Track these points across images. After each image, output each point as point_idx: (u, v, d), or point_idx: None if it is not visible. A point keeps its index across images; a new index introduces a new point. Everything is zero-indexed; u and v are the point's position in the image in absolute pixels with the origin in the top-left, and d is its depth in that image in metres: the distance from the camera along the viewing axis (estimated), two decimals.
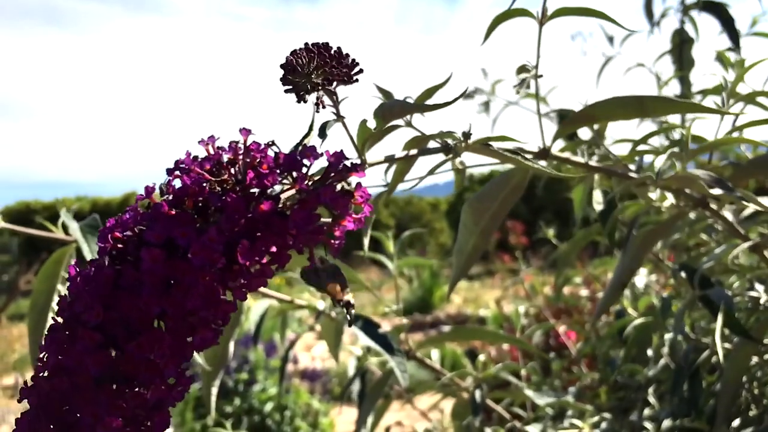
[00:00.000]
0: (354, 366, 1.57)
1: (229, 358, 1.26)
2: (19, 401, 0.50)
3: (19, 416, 0.49)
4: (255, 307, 1.43)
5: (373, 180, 0.92)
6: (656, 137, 1.41)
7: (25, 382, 0.50)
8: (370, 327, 1.30)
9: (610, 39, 2.40)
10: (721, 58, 1.31)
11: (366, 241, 0.95)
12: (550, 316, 3.21)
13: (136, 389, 0.49)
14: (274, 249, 0.51)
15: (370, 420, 1.49)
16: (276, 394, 4.56)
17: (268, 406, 4.53)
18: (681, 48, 2.23)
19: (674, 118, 1.88)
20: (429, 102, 0.77)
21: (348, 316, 0.58)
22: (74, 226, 1.06)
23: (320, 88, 0.62)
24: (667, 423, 1.48)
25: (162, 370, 0.49)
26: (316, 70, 0.60)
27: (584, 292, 3.30)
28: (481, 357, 1.47)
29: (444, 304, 9.81)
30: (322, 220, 0.54)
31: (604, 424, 1.50)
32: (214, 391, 1.30)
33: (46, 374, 0.49)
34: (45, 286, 1.10)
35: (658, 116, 0.92)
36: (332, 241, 0.54)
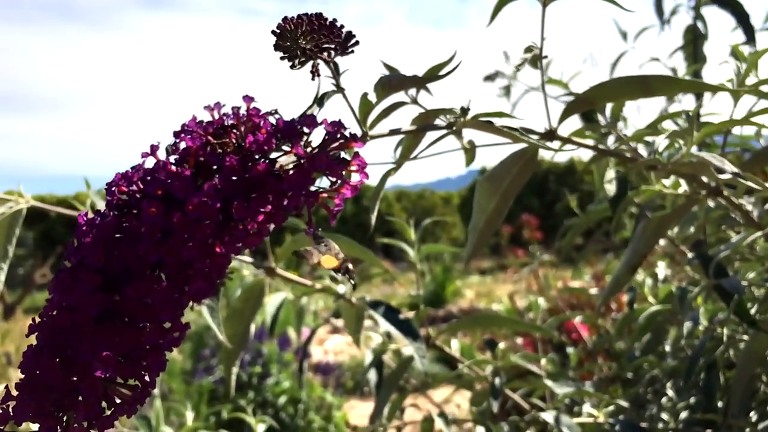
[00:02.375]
0: (371, 357, 1.57)
1: (250, 339, 1.28)
2: (27, 335, 0.53)
3: (24, 353, 0.53)
4: (272, 298, 1.44)
5: (383, 158, 0.93)
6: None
7: (33, 319, 0.54)
8: (391, 313, 1.31)
9: (624, 34, 2.41)
10: (735, 52, 1.31)
11: (373, 218, 0.95)
12: (563, 310, 3.21)
13: (133, 330, 0.52)
14: (269, 209, 0.54)
15: (386, 410, 1.49)
16: (290, 387, 4.58)
17: (282, 400, 4.55)
18: (695, 43, 2.23)
19: (689, 104, 1.88)
20: (426, 77, 0.77)
21: (351, 281, 0.61)
22: (102, 204, 1.08)
23: (312, 55, 0.64)
24: (684, 415, 1.48)
25: (158, 314, 0.52)
26: (303, 35, 0.62)
27: (594, 290, 3.29)
28: (506, 344, 1.47)
29: (456, 299, 9.80)
30: (322, 187, 0.56)
31: (620, 416, 1.50)
32: (234, 371, 1.32)
33: (52, 313, 0.53)
34: None
35: (664, 95, 0.92)
36: (331, 208, 0.57)
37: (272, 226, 0.55)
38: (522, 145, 0.97)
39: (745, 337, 1.36)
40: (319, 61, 0.64)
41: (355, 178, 0.56)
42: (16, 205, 1.03)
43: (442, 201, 21.16)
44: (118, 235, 0.52)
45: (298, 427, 4.41)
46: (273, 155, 0.55)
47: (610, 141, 1.30)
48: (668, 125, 1.38)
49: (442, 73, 0.71)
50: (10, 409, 0.51)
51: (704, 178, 1.15)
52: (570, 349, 2.02)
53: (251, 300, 1.30)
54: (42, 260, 13.98)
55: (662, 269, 1.98)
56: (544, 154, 1.09)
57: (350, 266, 0.62)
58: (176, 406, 3.61)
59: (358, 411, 5.22)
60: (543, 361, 1.69)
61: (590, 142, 1.07)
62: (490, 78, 2.31)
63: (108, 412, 0.52)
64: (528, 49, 0.94)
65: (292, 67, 0.63)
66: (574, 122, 1.23)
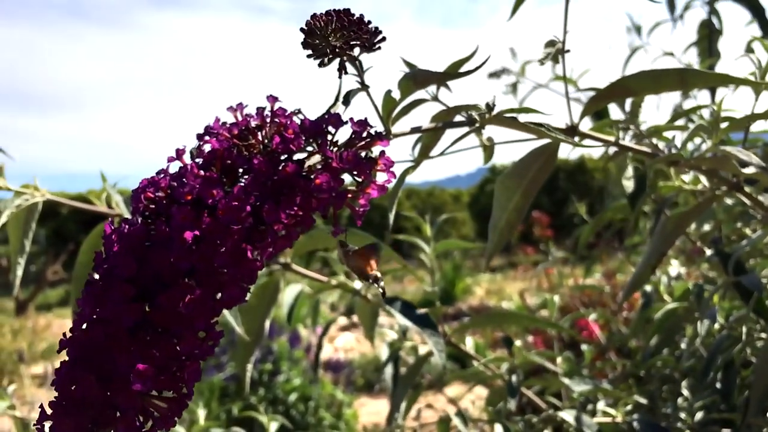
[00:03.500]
0: (387, 352, 1.57)
1: (265, 335, 1.28)
2: (58, 352, 0.52)
3: (56, 370, 0.51)
4: (289, 289, 1.43)
5: (401, 156, 0.92)
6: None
7: (64, 334, 0.52)
8: (408, 308, 1.30)
9: (638, 29, 2.40)
10: (762, 44, 1.29)
11: (391, 216, 0.95)
12: (575, 308, 3.19)
13: (168, 340, 0.50)
14: (299, 211, 0.52)
15: (402, 406, 1.49)
16: (300, 384, 4.58)
17: (293, 397, 4.56)
18: (710, 39, 2.22)
19: (705, 100, 1.86)
20: (453, 73, 0.76)
21: (380, 289, 0.61)
22: (118, 198, 1.08)
23: (341, 53, 0.62)
24: (700, 415, 1.46)
25: (192, 323, 0.50)
26: (334, 33, 0.61)
27: (607, 288, 3.27)
28: (518, 342, 1.46)
29: (466, 297, 9.78)
30: (348, 188, 0.55)
31: (636, 415, 1.48)
32: (249, 367, 1.32)
33: (83, 327, 0.51)
34: (88, 258, 1.11)
35: (697, 88, 0.91)
36: (357, 209, 0.56)
37: (300, 229, 0.54)
38: (541, 142, 0.96)
39: (764, 335, 1.35)
40: (345, 58, 0.63)
41: (382, 177, 0.55)
42: (32, 198, 1.03)
43: (452, 198, 21.12)
44: (147, 243, 0.51)
45: (308, 425, 4.42)
46: (299, 155, 0.54)
47: (628, 137, 1.29)
48: (682, 124, 1.37)
49: (468, 68, 0.70)
50: (47, 429, 0.50)
51: (724, 174, 1.14)
52: (584, 347, 2.00)
53: (267, 295, 1.29)
54: (54, 257, 14.05)
55: (676, 267, 1.97)
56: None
57: (379, 274, 0.63)
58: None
59: (369, 408, 5.22)
60: (558, 359, 1.68)
61: (610, 137, 1.05)
62: (495, 75, 2.29)
63: (147, 427, 0.51)
64: (550, 43, 0.92)
65: (321, 65, 0.62)
66: (585, 123, 1.21)
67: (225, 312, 1.06)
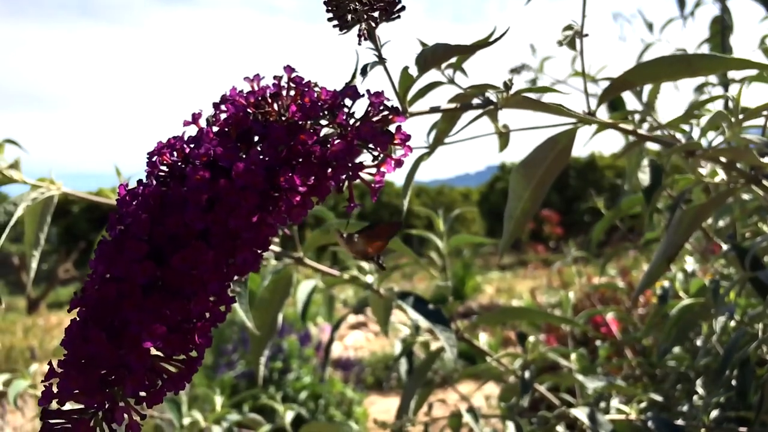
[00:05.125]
0: (401, 347, 1.56)
1: (278, 329, 1.28)
2: (69, 311, 0.52)
3: (66, 328, 0.51)
4: (303, 285, 1.43)
5: (415, 142, 0.91)
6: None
7: (75, 293, 0.52)
8: (420, 303, 1.30)
9: (650, 26, 2.40)
10: (766, 41, 1.27)
11: (405, 203, 0.94)
12: (589, 305, 3.17)
13: (180, 301, 0.50)
14: (313, 180, 0.52)
15: (412, 404, 1.48)
16: (311, 382, 4.59)
17: (303, 395, 4.56)
18: (722, 35, 2.21)
19: (718, 92, 1.84)
20: (473, 45, 0.75)
21: (381, 266, 0.64)
22: None
23: (361, 16, 0.62)
24: (715, 413, 1.45)
25: (205, 284, 0.50)
26: None
27: (621, 283, 3.25)
28: (531, 338, 1.45)
29: (476, 295, 9.76)
30: (364, 163, 0.54)
31: (650, 413, 1.47)
32: (263, 360, 1.31)
33: (96, 287, 0.51)
34: None
35: (706, 74, 0.90)
36: (372, 185, 0.55)
37: (317, 199, 0.53)
38: (557, 131, 0.95)
39: None
40: (365, 26, 0.63)
41: (399, 152, 0.54)
42: (47, 191, 1.03)
43: (461, 197, 21.10)
44: (163, 204, 0.51)
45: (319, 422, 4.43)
46: (314, 126, 0.54)
47: (644, 128, 1.27)
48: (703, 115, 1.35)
49: (490, 40, 0.68)
50: (54, 387, 0.49)
51: (742, 166, 1.12)
52: (598, 342, 1.99)
53: (279, 289, 1.29)
54: (65, 256, 14.13)
55: (691, 264, 1.95)
56: None
57: (381, 259, 0.64)
58: (201, 396, 3.63)
59: (379, 407, 5.22)
60: (572, 356, 1.67)
61: (627, 126, 1.04)
62: (515, 71, 2.29)
63: (156, 388, 0.51)
64: (568, 27, 0.91)
65: (341, 28, 0.62)
66: (602, 113, 1.20)
67: (237, 308, 1.06)
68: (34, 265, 1.04)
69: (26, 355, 7.10)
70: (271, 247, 1.26)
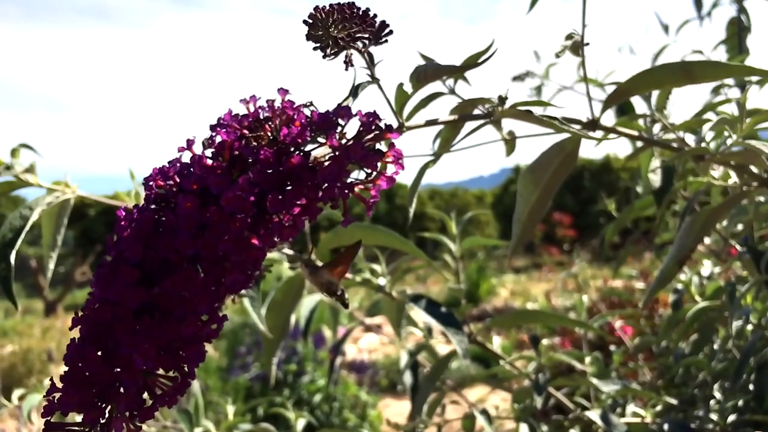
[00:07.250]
0: (406, 358, 1.56)
1: (290, 330, 1.29)
2: (70, 329, 0.55)
3: (67, 346, 0.54)
4: (306, 300, 1.44)
5: (421, 150, 0.92)
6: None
7: (76, 312, 0.55)
8: (432, 306, 1.30)
9: (665, 28, 2.38)
10: None
11: (411, 209, 0.95)
12: (604, 309, 3.15)
13: (171, 323, 0.53)
14: (304, 201, 0.54)
15: (425, 408, 1.48)
16: (325, 385, 4.59)
17: (317, 398, 4.57)
18: (739, 36, 2.20)
19: (735, 94, 1.83)
20: (462, 65, 0.76)
21: (343, 305, 0.69)
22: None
23: (345, 45, 0.63)
24: (732, 417, 1.44)
25: (195, 306, 0.53)
26: (335, 24, 0.62)
27: (640, 284, 3.23)
28: (545, 341, 1.44)
29: (491, 297, 9.73)
30: (357, 179, 0.56)
31: (666, 417, 1.46)
32: (275, 361, 1.33)
33: (94, 307, 0.54)
34: None
35: (706, 81, 0.89)
36: (367, 200, 0.56)
37: (307, 219, 0.55)
38: (563, 136, 0.95)
39: None
40: (352, 51, 0.64)
41: (391, 169, 0.56)
42: (63, 195, 1.04)
43: (475, 199, 21.07)
44: (156, 229, 0.53)
45: (333, 425, 4.43)
46: (308, 147, 0.55)
47: (655, 131, 1.27)
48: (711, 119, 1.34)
49: (478, 61, 0.69)
50: (56, 401, 0.53)
51: (755, 169, 1.11)
52: (613, 347, 1.97)
53: (291, 292, 1.30)
54: (82, 259, 14.26)
55: (708, 267, 1.94)
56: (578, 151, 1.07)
57: (343, 291, 0.69)
58: (215, 401, 3.64)
59: (393, 409, 5.21)
60: (587, 359, 1.66)
61: (633, 132, 1.04)
62: (519, 78, 2.28)
63: (149, 403, 0.54)
64: (569, 36, 0.91)
65: (325, 56, 0.63)
66: (609, 118, 1.19)
67: (249, 310, 1.07)
68: (51, 265, 1.06)
69: (43, 357, 7.17)
70: (284, 249, 1.27)
